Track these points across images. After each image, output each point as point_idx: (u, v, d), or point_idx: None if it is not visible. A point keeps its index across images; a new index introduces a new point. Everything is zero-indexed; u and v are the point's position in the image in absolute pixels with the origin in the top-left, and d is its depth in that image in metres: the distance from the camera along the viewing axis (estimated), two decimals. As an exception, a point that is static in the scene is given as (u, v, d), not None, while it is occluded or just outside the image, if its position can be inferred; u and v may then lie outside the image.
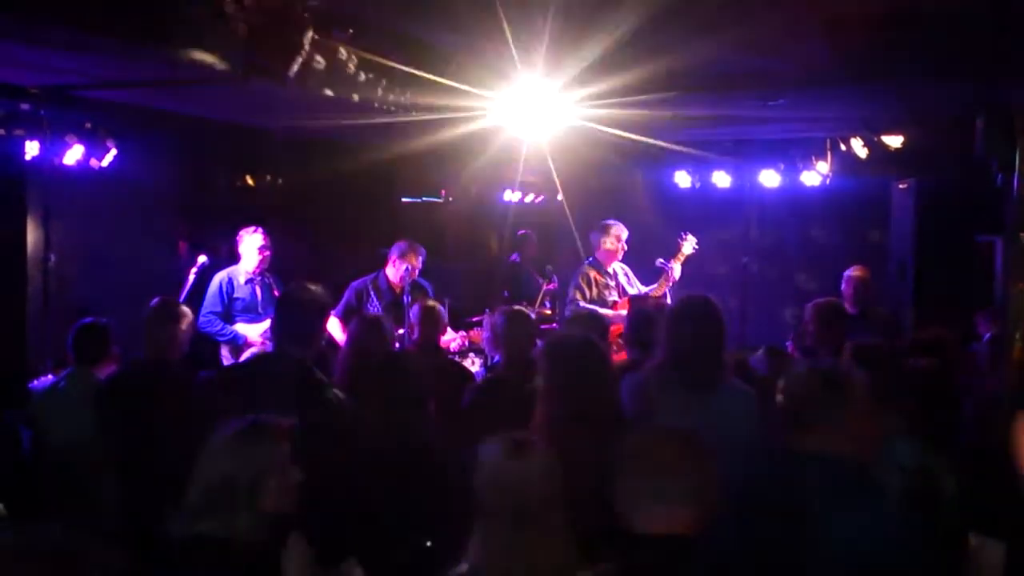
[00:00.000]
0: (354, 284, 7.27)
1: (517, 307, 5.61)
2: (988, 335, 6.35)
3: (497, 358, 5.69)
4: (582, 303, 7.65)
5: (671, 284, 7.81)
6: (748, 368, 5.42)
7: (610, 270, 7.88)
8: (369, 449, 3.84)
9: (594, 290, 7.75)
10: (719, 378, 3.99)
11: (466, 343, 6.97)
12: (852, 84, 5.64)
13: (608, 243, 7.83)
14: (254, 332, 6.97)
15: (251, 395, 3.84)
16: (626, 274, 7.99)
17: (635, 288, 7.93)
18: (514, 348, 4.96)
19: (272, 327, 4.24)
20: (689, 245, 8.03)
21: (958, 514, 3.19)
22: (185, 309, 4.88)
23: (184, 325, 4.76)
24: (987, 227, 8.30)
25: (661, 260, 8.13)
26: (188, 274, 7.02)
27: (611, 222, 7.95)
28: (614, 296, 7.77)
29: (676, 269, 7.89)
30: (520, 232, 12.05)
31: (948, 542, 3.08)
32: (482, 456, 2.76)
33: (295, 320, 4.04)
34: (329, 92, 5.40)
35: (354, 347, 4.96)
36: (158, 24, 4.41)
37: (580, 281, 7.79)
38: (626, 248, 7.90)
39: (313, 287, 4.24)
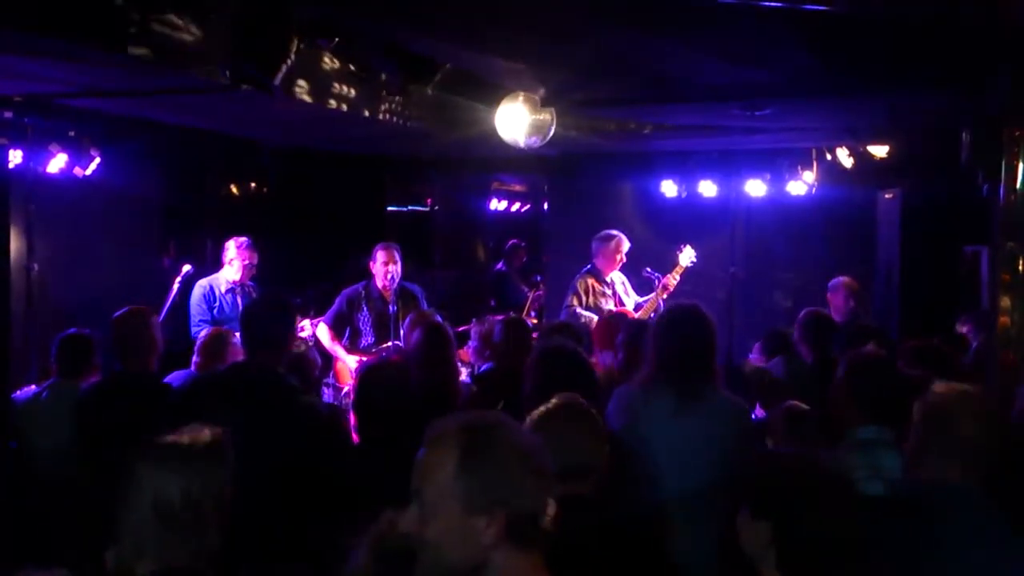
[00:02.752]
0: (346, 292, 7.23)
1: (513, 316, 5.60)
2: (975, 344, 6.35)
3: (484, 367, 5.67)
4: (579, 309, 7.70)
5: (666, 296, 7.80)
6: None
7: (608, 279, 7.93)
8: (346, 454, 3.84)
9: (591, 298, 7.80)
10: (709, 388, 3.91)
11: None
12: (838, 94, 5.65)
13: (608, 253, 7.88)
14: None
15: (225, 405, 3.83)
16: (623, 284, 8.05)
17: (631, 299, 7.97)
18: (510, 357, 4.93)
19: (241, 337, 4.23)
20: (686, 256, 8.07)
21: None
22: (154, 318, 4.85)
23: (155, 332, 4.73)
24: (973, 237, 8.32)
25: (648, 270, 8.14)
26: (173, 283, 6.98)
27: (613, 232, 8.00)
28: (610, 305, 7.81)
29: (673, 281, 7.91)
30: (511, 242, 12.07)
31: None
32: None
33: (263, 329, 4.04)
34: (313, 101, 5.38)
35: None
36: (142, 33, 4.38)
37: (578, 287, 7.84)
38: (625, 260, 7.95)
39: (277, 295, 4.23)
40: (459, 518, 1.81)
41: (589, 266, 7.97)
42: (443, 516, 1.82)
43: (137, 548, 2.49)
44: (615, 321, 5.84)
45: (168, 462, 2.53)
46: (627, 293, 8.02)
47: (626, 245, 7.94)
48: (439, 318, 5.84)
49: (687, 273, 8.10)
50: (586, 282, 7.85)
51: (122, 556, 2.50)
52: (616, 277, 7.99)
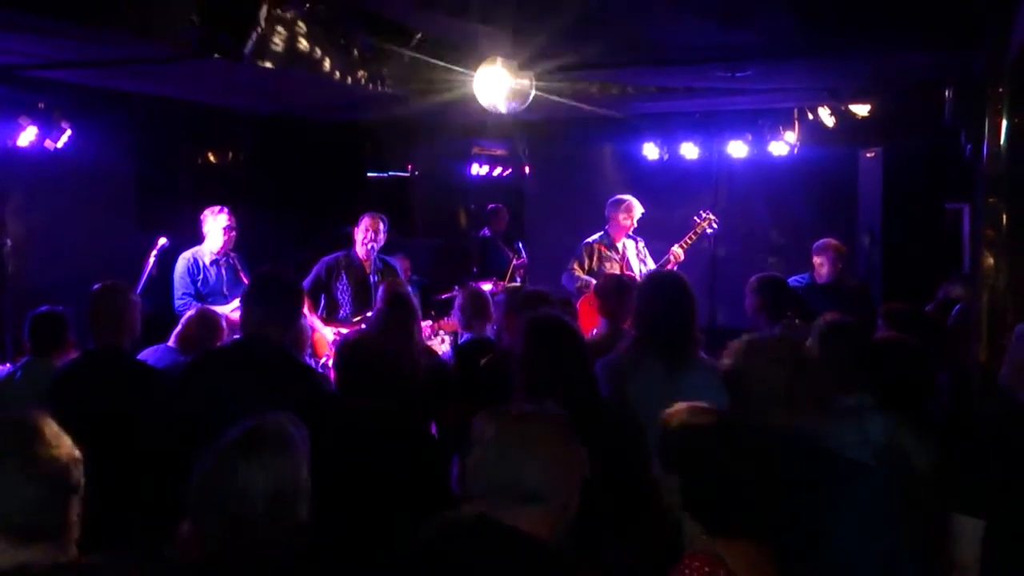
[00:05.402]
0: (325, 259, 7.15)
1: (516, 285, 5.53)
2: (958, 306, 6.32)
3: (465, 338, 5.61)
4: (578, 273, 7.73)
5: (676, 265, 7.77)
6: None
7: (618, 245, 7.94)
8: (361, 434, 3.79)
9: (595, 262, 7.81)
10: (691, 354, 3.97)
11: (433, 331, 6.85)
12: (819, 53, 5.57)
13: (619, 218, 7.90)
14: (228, 312, 6.72)
15: (232, 383, 3.73)
16: (639, 250, 8.04)
17: (646, 266, 7.96)
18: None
19: (245, 312, 4.04)
20: (708, 223, 8.05)
21: (933, 492, 3.14)
22: (133, 294, 4.72)
23: (131, 309, 4.61)
24: (955, 194, 8.30)
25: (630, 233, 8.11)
26: (148, 257, 6.85)
27: (623, 197, 8.00)
28: (615, 270, 7.80)
29: (687, 244, 7.95)
30: (491, 206, 11.95)
31: (925, 520, 3.02)
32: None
33: (274, 304, 3.91)
34: (286, 68, 5.27)
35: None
36: (109, 3, 4.27)
37: (582, 251, 7.88)
38: (635, 225, 7.94)
39: (287, 272, 4.16)
40: None
41: (602, 232, 7.97)
42: None
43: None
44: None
45: (277, 450, 2.52)
46: (643, 260, 8.00)
47: (638, 211, 7.91)
48: (411, 289, 5.79)
49: (667, 236, 8.07)
50: (592, 247, 7.88)
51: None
52: (628, 243, 7.99)
